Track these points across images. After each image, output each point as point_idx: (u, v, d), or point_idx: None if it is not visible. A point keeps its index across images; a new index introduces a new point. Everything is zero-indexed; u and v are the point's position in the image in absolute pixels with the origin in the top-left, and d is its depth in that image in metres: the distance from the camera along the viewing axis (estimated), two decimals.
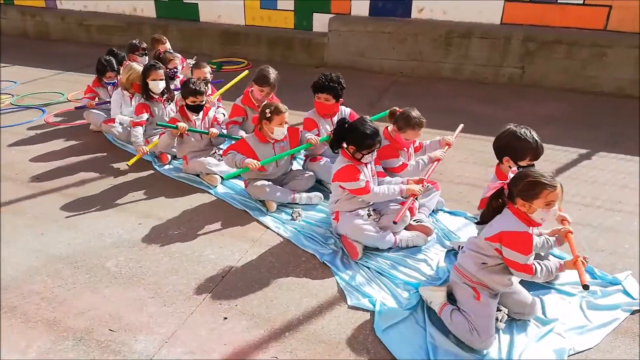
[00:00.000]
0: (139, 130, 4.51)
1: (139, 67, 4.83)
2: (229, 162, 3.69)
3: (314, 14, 8.18)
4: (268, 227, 3.52)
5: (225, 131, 4.45)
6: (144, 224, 3.57)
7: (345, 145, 3.23)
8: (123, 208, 3.80)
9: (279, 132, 3.68)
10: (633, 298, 2.79)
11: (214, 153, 4.27)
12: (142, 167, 4.48)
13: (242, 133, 4.41)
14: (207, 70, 5.07)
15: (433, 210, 3.64)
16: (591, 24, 6.67)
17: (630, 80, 6.42)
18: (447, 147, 3.71)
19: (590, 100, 6.37)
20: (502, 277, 2.49)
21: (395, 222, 3.09)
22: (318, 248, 3.25)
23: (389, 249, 3.20)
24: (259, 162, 3.61)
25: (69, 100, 6.32)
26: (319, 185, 4.01)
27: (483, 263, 2.50)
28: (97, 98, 5.34)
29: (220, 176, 4.12)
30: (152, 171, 4.43)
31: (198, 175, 4.24)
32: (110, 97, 5.33)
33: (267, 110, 3.63)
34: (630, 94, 6.44)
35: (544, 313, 2.68)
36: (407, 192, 3.20)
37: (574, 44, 6.54)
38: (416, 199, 3.32)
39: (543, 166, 4.28)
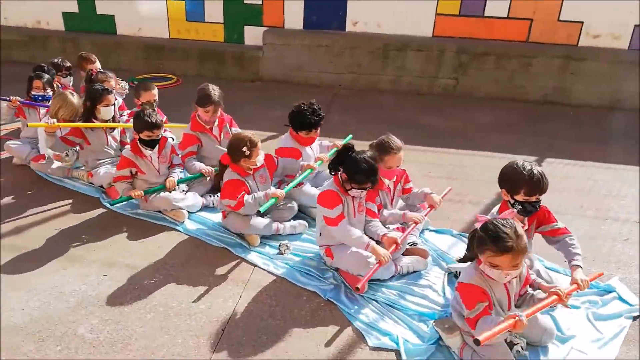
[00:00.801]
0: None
1: (74, 100, 4.24)
2: (252, 206, 3.35)
3: (245, 26, 7.89)
4: (256, 265, 3.24)
5: (181, 174, 4.04)
6: (111, 275, 3.11)
7: (340, 170, 3.07)
8: (79, 257, 3.29)
9: (260, 159, 3.43)
10: (630, 304, 2.90)
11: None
12: (90, 204, 3.95)
13: (201, 166, 4.03)
14: (155, 92, 4.62)
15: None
16: (515, 36, 7.10)
17: (553, 87, 6.91)
18: (430, 209, 3.40)
19: (521, 107, 6.76)
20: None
21: (357, 288, 2.80)
22: (318, 284, 3.03)
23: (391, 277, 3.06)
24: (282, 191, 3.39)
25: None
26: (301, 213, 3.79)
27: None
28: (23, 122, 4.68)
29: (188, 211, 3.74)
30: (102, 209, 3.92)
31: (159, 212, 3.81)
32: (40, 120, 4.67)
33: (245, 148, 3.34)
34: (553, 100, 6.94)
35: (559, 330, 2.69)
36: (372, 251, 2.92)
37: (503, 55, 6.91)
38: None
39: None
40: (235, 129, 4.29)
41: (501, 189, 2.84)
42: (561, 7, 6.81)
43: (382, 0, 7.23)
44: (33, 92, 4.64)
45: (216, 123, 4.19)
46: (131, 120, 4.47)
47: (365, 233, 3.09)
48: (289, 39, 7.49)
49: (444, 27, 7.25)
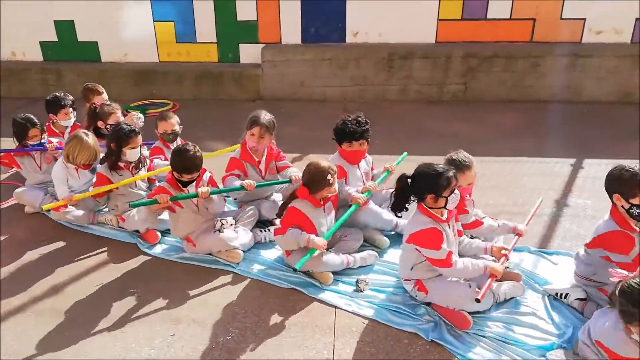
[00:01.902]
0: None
1: (91, 142, 3.84)
2: (289, 242, 3.05)
3: (240, 44, 7.58)
4: (337, 307, 2.93)
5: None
6: (179, 335, 2.75)
7: (418, 200, 2.80)
8: (136, 316, 2.91)
9: (335, 189, 3.14)
10: None
11: (221, 226, 3.47)
12: (126, 252, 3.55)
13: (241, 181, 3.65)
14: (174, 122, 4.25)
15: None
16: (519, 36, 7.04)
17: (562, 86, 6.87)
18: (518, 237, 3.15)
19: (533, 108, 6.68)
20: None
21: (478, 300, 2.64)
22: (414, 323, 2.76)
23: (489, 308, 2.81)
24: (324, 240, 3.04)
25: None
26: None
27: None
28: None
29: (243, 250, 3.40)
30: (142, 257, 3.52)
31: (209, 254, 3.45)
32: (40, 167, 4.24)
33: (329, 177, 3.04)
34: (563, 99, 6.90)
35: None
36: (492, 271, 2.71)
37: (510, 57, 6.84)
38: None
39: (555, 183, 4.35)
40: (283, 162, 3.94)
41: (612, 194, 2.66)
42: (563, 5, 6.79)
43: (383, 8, 7.05)
44: (30, 142, 4.16)
45: (264, 157, 3.84)
46: (153, 159, 4.14)
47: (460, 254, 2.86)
48: (289, 54, 7.22)
49: (446, 32, 7.13)
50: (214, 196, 3.43)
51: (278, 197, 3.92)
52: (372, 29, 7.26)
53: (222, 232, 3.39)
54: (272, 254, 3.48)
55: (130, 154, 3.66)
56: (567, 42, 6.94)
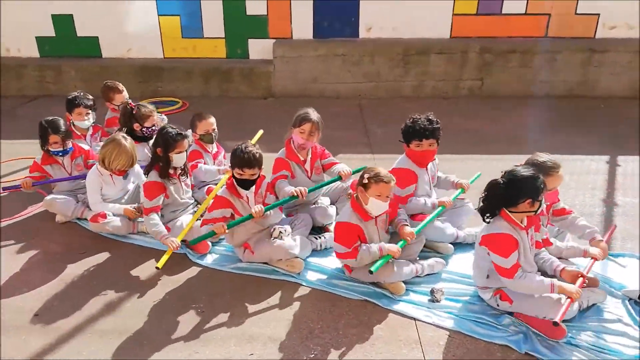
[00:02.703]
0: (156, 217, 3.40)
1: (128, 146, 3.62)
2: (365, 260, 2.91)
3: (250, 40, 7.35)
4: (416, 319, 2.82)
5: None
6: (258, 354, 2.60)
7: (506, 208, 2.70)
8: (206, 335, 2.74)
9: (375, 206, 2.95)
10: None
11: (279, 234, 3.30)
12: (177, 264, 3.36)
13: (291, 188, 3.48)
14: (213, 121, 4.06)
15: None
16: (533, 32, 7.02)
17: (578, 81, 6.89)
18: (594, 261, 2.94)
19: (551, 104, 6.69)
20: None
21: (556, 323, 2.49)
22: (503, 335, 2.67)
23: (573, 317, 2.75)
24: (398, 247, 2.93)
25: None
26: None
27: None
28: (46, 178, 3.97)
29: (302, 259, 3.25)
30: (195, 268, 3.34)
31: (265, 263, 3.30)
32: (69, 173, 4.00)
33: (366, 175, 2.91)
34: (579, 94, 6.92)
35: None
36: (560, 291, 2.60)
37: (527, 52, 6.81)
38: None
39: (597, 181, 4.31)
40: (329, 160, 3.80)
41: None
42: (577, 1, 6.79)
43: (397, 2, 6.93)
44: (51, 149, 3.91)
45: (309, 156, 3.70)
46: (194, 164, 3.94)
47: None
48: (302, 50, 7.04)
49: (461, 27, 7.06)
50: (270, 211, 3.28)
51: (326, 201, 3.77)
52: (386, 24, 7.13)
53: (282, 239, 3.23)
54: (329, 262, 3.35)
55: (177, 159, 3.46)
56: (581, 37, 6.95)
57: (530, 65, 6.87)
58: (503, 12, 6.94)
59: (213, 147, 4.13)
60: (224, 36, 7.36)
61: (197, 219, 3.50)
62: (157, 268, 3.14)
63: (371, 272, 2.85)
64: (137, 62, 7.46)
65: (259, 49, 7.37)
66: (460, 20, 7.02)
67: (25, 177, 3.93)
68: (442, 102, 6.93)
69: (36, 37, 7.56)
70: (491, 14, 6.96)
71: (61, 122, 3.89)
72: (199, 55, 7.51)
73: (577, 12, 6.86)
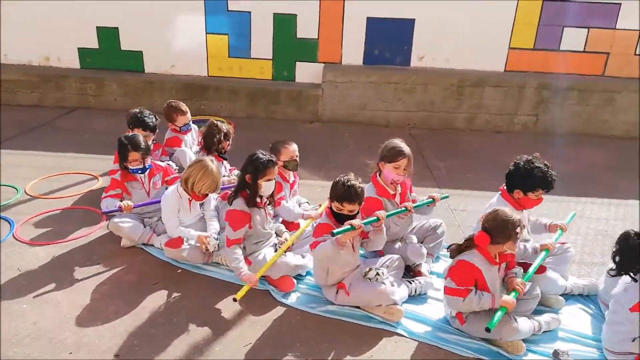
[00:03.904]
0: (239, 251, 3.13)
1: (215, 170, 3.39)
2: (471, 305, 2.69)
3: (297, 62, 7.18)
4: None
5: None
6: None
7: None
8: None
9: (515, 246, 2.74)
10: None
11: (376, 275, 3.01)
12: (261, 302, 3.08)
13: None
14: (296, 148, 3.83)
15: None
16: (591, 70, 6.86)
17: (634, 122, 6.70)
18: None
19: (610, 144, 6.47)
20: None
21: None
22: None
23: None
24: (514, 299, 2.66)
25: (32, 196, 4.40)
26: None
27: None
28: (123, 196, 3.71)
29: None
30: (280, 307, 3.06)
31: (358, 307, 3.01)
32: (147, 192, 3.75)
33: (518, 230, 2.65)
34: (634, 135, 6.71)
35: None
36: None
37: (585, 90, 6.64)
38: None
39: None
40: (414, 195, 3.57)
41: None
42: (638, 40, 6.64)
43: (451, 33, 6.78)
44: (130, 166, 3.70)
45: (399, 190, 3.45)
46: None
47: None
48: (353, 75, 6.86)
49: (516, 61, 6.90)
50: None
51: (414, 239, 3.50)
52: (438, 54, 6.97)
53: (382, 282, 2.95)
54: (426, 310, 3.07)
55: (266, 186, 3.21)
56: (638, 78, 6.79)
57: (587, 103, 6.68)
58: (561, 48, 6.79)
59: (291, 176, 3.89)
60: (271, 58, 7.19)
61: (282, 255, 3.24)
62: (234, 299, 2.90)
63: (488, 330, 2.57)
64: (182, 79, 7.28)
65: (305, 72, 7.19)
66: (517, 53, 6.87)
67: (123, 201, 3.64)
68: (496, 137, 6.72)
69: (78, 48, 7.40)
70: (548, 49, 6.81)
71: (141, 138, 3.68)
72: (245, 75, 7.33)
73: (637, 52, 6.71)
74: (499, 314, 2.60)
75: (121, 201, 3.59)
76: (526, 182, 3.11)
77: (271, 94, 7.07)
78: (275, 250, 3.34)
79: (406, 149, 3.36)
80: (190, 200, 3.46)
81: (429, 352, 2.73)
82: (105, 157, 5.24)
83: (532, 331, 2.79)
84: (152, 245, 3.61)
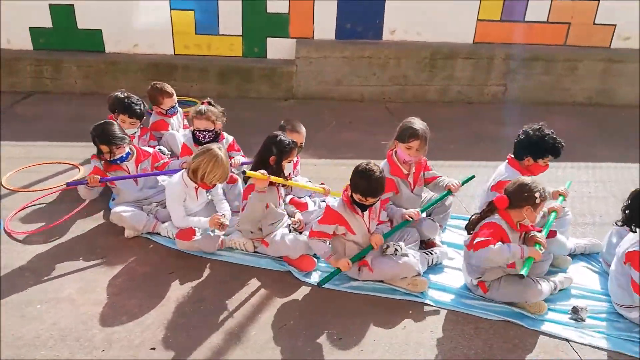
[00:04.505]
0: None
1: (225, 158, 3.26)
2: (500, 256, 2.75)
3: (268, 38, 7.02)
4: (569, 340, 2.71)
5: None
6: None
7: None
8: None
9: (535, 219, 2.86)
10: None
11: (395, 251, 3.07)
12: (285, 283, 3.07)
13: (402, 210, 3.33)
14: (304, 132, 3.77)
15: None
16: (553, 40, 7.14)
17: (597, 90, 7.07)
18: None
19: (575, 111, 6.81)
20: None
21: None
22: None
23: None
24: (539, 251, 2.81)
25: (11, 190, 4.12)
26: None
27: None
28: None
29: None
30: (304, 287, 3.06)
31: (381, 281, 3.07)
32: (136, 180, 3.60)
33: (538, 195, 2.75)
34: (598, 102, 7.10)
35: None
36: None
37: (551, 60, 6.91)
38: None
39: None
40: (431, 173, 3.61)
41: None
42: (597, 11, 6.96)
43: (422, 6, 6.83)
44: (107, 158, 3.55)
45: (413, 170, 3.48)
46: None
47: None
48: (327, 51, 6.79)
49: (484, 33, 7.06)
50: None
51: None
52: (410, 27, 7.02)
53: (404, 255, 3.01)
54: (446, 279, 3.18)
55: (287, 167, 3.17)
56: (597, 46, 7.14)
57: (552, 72, 6.97)
58: (526, 19, 7.00)
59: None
60: (241, 34, 6.98)
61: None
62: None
63: (522, 276, 2.67)
64: (146, 58, 6.93)
65: (277, 48, 7.05)
66: (485, 25, 7.02)
67: (90, 174, 3.47)
68: (468, 107, 6.91)
69: (30, 28, 6.86)
70: (514, 20, 7.01)
71: (113, 128, 3.48)
72: (213, 53, 7.09)
73: (596, 22, 7.03)
74: (528, 262, 2.70)
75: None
76: (537, 149, 3.23)
77: (243, 71, 6.89)
78: (290, 231, 3.33)
79: (421, 129, 3.36)
80: (197, 188, 3.35)
81: (458, 319, 2.84)
82: (77, 145, 4.99)
83: (551, 291, 2.95)
84: (158, 233, 3.49)
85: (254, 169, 3.16)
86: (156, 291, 2.97)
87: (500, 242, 2.73)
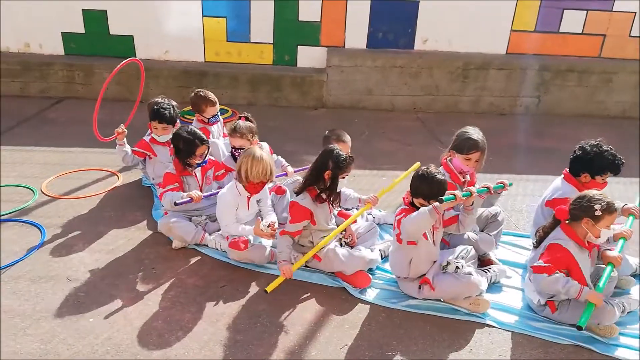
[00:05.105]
0: (289, 242, 3.03)
1: (264, 155, 3.19)
2: (552, 287, 2.68)
3: (299, 47, 6.98)
4: None
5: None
6: None
7: None
8: None
9: (605, 236, 2.73)
10: None
11: (455, 268, 2.97)
12: (339, 299, 2.97)
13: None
14: (349, 141, 3.69)
15: None
16: (588, 51, 7.04)
17: (631, 102, 6.95)
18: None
19: (611, 124, 6.68)
20: None
21: None
22: None
23: None
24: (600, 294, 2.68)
25: (52, 196, 4.08)
26: None
27: None
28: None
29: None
30: (361, 304, 2.96)
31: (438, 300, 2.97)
32: (201, 186, 3.54)
33: (598, 207, 2.64)
34: (631, 115, 6.98)
35: None
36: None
37: (585, 71, 6.81)
38: None
39: None
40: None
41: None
42: (632, 23, 6.85)
43: (455, 15, 6.76)
44: (196, 161, 3.51)
45: (468, 177, 3.40)
46: None
47: None
48: (358, 60, 6.74)
49: (518, 43, 6.98)
50: None
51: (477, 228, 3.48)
52: (442, 37, 6.95)
53: (469, 274, 2.91)
54: (506, 298, 3.09)
55: (341, 183, 3.08)
56: (631, 59, 7.02)
57: (586, 84, 6.86)
58: (560, 30, 6.91)
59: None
60: (272, 42, 6.94)
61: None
62: (265, 292, 2.84)
63: (580, 328, 2.53)
64: (177, 65, 6.92)
65: (307, 56, 7.00)
66: (518, 36, 6.94)
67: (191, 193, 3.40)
68: (501, 119, 6.81)
69: (62, 33, 6.87)
70: (549, 31, 6.91)
71: (199, 131, 3.44)
72: (244, 60, 7.06)
73: (631, 34, 6.92)
74: (588, 311, 2.59)
75: None
76: (595, 165, 3.13)
77: (273, 79, 6.84)
78: (341, 245, 3.25)
79: (481, 141, 3.29)
80: (248, 198, 3.28)
81: (525, 342, 2.73)
82: (110, 152, 4.94)
83: (620, 314, 2.84)
84: (206, 245, 3.42)
85: (308, 182, 3.08)
86: (209, 305, 2.89)
87: (557, 273, 2.66)
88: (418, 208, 2.84)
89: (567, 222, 2.76)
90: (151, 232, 3.61)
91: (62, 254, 3.32)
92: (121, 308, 2.83)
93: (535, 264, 2.75)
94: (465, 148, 3.24)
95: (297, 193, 3.11)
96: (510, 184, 3.31)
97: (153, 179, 4.14)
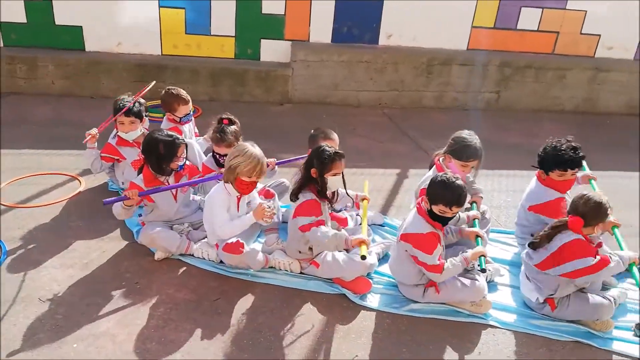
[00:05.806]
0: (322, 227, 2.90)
1: (257, 152, 3.01)
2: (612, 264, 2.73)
3: (262, 40, 6.76)
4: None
5: None
6: None
7: None
8: None
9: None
10: None
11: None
12: (341, 306, 2.86)
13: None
14: (337, 139, 3.57)
15: None
16: (543, 48, 7.29)
17: (583, 98, 7.27)
18: None
19: (565, 119, 6.96)
20: None
21: None
22: None
23: None
24: None
25: (6, 205, 3.69)
26: None
27: None
28: (145, 202, 3.21)
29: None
30: (364, 311, 2.87)
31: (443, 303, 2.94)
32: (175, 195, 3.29)
33: (610, 212, 2.70)
34: (584, 110, 7.31)
35: None
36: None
37: (542, 68, 7.04)
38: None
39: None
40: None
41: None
42: (584, 21, 7.16)
43: (419, 11, 6.78)
44: (174, 167, 3.23)
45: None
46: None
47: None
48: (324, 54, 6.61)
49: (478, 39, 7.11)
50: None
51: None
52: (406, 32, 6.95)
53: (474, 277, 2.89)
54: (503, 297, 3.10)
55: (332, 181, 2.96)
56: (583, 55, 7.34)
57: (542, 80, 7.11)
58: (518, 27, 7.10)
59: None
60: (234, 34, 6.68)
61: None
62: (362, 257, 2.73)
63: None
64: (132, 58, 6.50)
65: (271, 50, 6.80)
66: (479, 32, 7.06)
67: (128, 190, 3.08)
68: (464, 114, 6.92)
69: (1, 23, 6.27)
70: (507, 28, 7.09)
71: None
72: (203, 53, 6.74)
73: (582, 31, 7.23)
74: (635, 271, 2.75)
75: None
76: (546, 163, 3.17)
77: (236, 74, 6.59)
78: (340, 250, 3.13)
79: (480, 149, 3.24)
80: (238, 199, 3.09)
81: (529, 341, 2.75)
82: (67, 153, 4.58)
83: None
84: (191, 255, 3.20)
85: (302, 182, 2.95)
86: (205, 321, 2.69)
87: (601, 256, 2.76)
88: (437, 216, 2.77)
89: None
90: (127, 242, 3.33)
91: (29, 270, 2.99)
92: (107, 330, 2.58)
93: (589, 265, 2.70)
94: (464, 155, 3.20)
95: (294, 194, 2.96)
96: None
97: (123, 183, 3.84)
